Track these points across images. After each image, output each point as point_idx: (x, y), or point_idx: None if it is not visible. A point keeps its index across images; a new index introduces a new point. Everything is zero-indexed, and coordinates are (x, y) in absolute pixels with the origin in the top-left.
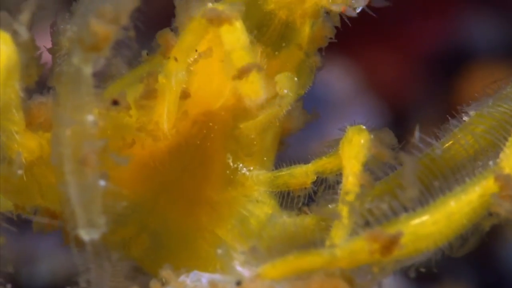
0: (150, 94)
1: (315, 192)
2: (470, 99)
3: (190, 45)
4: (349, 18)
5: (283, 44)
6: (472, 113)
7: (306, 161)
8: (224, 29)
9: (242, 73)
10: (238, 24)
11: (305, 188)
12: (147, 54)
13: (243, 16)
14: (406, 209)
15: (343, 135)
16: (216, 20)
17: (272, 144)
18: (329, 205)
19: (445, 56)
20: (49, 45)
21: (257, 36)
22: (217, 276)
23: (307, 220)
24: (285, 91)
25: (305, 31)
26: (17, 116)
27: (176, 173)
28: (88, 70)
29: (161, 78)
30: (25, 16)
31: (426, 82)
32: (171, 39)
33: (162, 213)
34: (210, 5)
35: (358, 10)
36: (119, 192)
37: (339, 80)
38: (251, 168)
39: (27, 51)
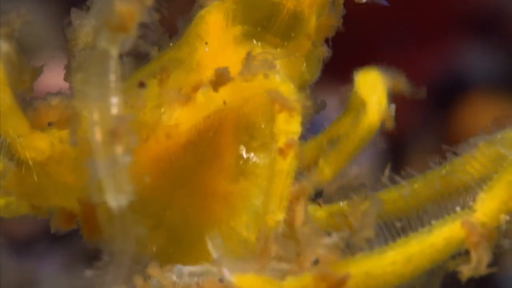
0: (184, 100)
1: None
2: (466, 128)
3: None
4: (347, 47)
5: (292, 35)
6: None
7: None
8: (282, 116)
9: (282, 152)
10: (297, 119)
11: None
12: (158, 50)
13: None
14: (361, 248)
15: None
16: (280, 105)
17: None
18: (341, 202)
19: (442, 85)
20: None
21: (266, 27)
22: (197, 268)
23: (319, 213)
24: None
25: (313, 21)
26: (17, 121)
27: (191, 167)
28: (115, 51)
29: (200, 96)
30: (4, 29)
31: (423, 110)
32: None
33: (178, 207)
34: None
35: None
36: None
37: (337, 107)
38: (262, 156)
39: (11, 61)
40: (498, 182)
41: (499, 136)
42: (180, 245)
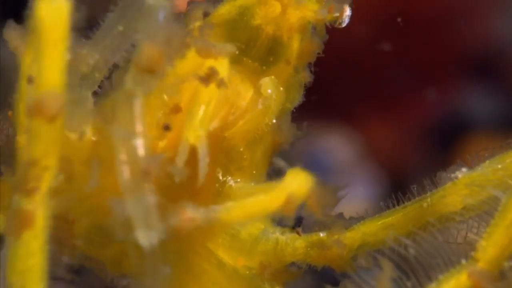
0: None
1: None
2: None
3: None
4: (350, 88)
5: (271, 59)
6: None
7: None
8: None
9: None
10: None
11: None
12: None
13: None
14: None
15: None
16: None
17: (263, 158)
18: (321, 233)
19: (443, 126)
20: None
21: (245, 50)
22: None
23: (298, 242)
24: (269, 91)
25: (293, 46)
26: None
27: (166, 187)
28: (141, 92)
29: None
30: None
31: (424, 151)
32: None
33: None
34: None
35: (344, 24)
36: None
37: (340, 147)
38: (239, 180)
39: None
40: (497, 227)
41: (479, 169)
42: None
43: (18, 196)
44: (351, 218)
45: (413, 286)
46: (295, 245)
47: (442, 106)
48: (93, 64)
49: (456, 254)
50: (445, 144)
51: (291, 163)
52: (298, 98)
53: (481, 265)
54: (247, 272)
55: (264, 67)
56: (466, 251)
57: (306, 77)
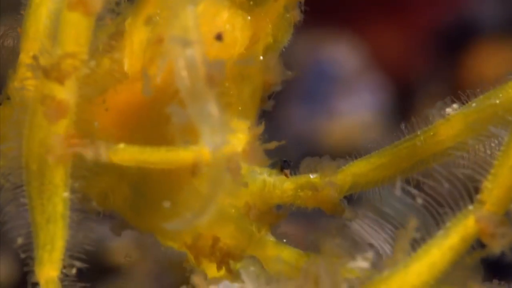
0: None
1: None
2: (474, 75)
3: None
4: None
5: None
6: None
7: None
8: None
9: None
10: None
11: None
12: None
13: None
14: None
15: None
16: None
17: (252, 97)
18: (311, 175)
19: (451, 31)
20: None
21: None
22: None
23: (286, 184)
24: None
25: None
26: None
27: (152, 120)
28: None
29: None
30: None
31: (431, 57)
32: None
33: None
34: None
35: None
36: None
37: (345, 56)
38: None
39: None
40: (501, 168)
41: (474, 105)
42: (145, 199)
43: (52, 85)
44: (337, 159)
45: (422, 237)
46: (283, 187)
47: (449, 11)
48: None
49: (463, 199)
50: (452, 49)
51: (297, 72)
52: (287, 37)
53: (487, 207)
54: (233, 211)
55: (251, 3)
56: (470, 192)
57: (295, 16)
